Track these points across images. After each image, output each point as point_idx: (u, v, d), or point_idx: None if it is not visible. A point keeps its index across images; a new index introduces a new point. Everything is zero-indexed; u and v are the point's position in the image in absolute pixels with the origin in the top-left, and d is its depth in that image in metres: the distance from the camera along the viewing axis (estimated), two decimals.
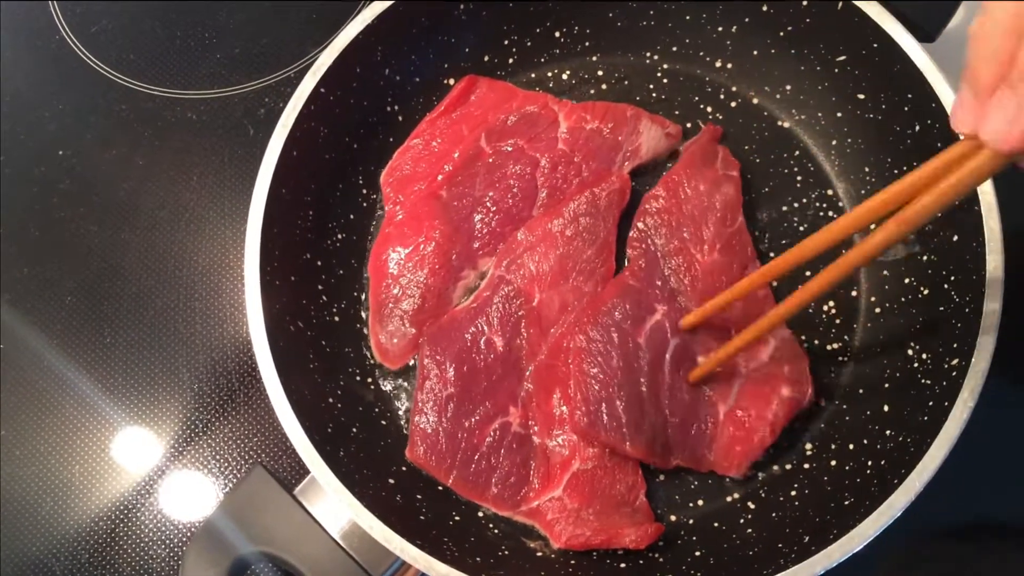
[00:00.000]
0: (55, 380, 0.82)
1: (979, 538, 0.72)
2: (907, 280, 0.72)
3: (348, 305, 0.77)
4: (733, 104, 0.83)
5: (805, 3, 0.76)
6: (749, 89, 0.83)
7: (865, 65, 0.75)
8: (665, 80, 0.84)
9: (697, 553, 0.66)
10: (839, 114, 0.79)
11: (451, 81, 0.84)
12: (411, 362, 0.74)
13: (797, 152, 0.81)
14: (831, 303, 0.75)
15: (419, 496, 0.68)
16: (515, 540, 0.67)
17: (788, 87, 0.81)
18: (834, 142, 0.80)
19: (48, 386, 0.82)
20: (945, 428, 0.59)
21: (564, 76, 0.86)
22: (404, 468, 0.70)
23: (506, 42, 0.84)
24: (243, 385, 0.80)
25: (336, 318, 0.76)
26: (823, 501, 0.65)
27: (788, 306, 0.62)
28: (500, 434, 0.69)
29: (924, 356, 0.67)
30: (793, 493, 0.68)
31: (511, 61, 0.85)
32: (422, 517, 0.66)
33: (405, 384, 0.75)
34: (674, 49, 0.84)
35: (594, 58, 0.86)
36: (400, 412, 0.74)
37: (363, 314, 0.77)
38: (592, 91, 0.85)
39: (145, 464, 0.79)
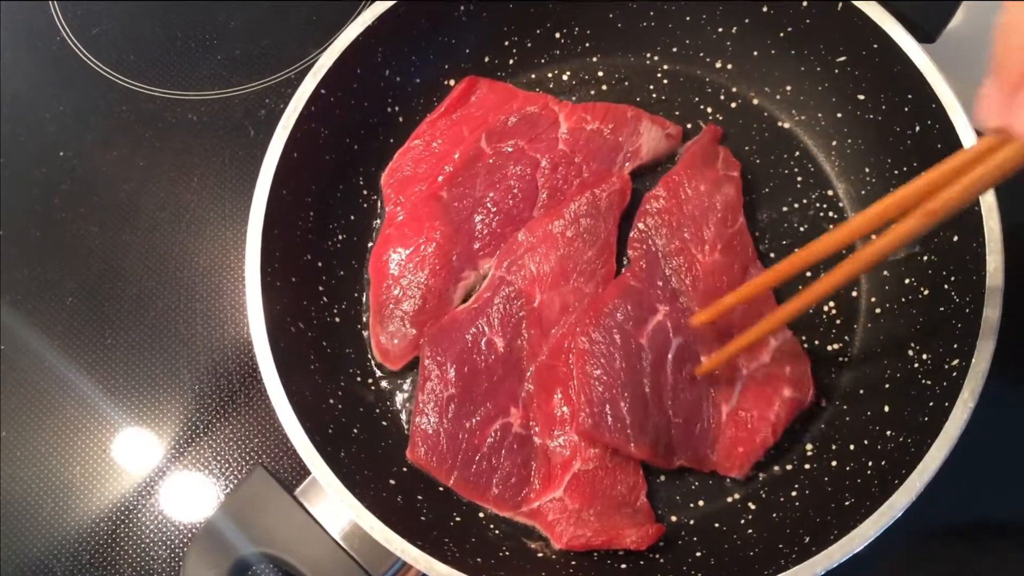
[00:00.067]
0: (56, 381, 0.82)
1: (979, 538, 0.72)
2: (907, 280, 0.72)
3: (349, 306, 0.77)
4: (733, 105, 0.83)
5: (805, 4, 0.76)
6: (749, 90, 0.83)
7: (865, 66, 0.75)
8: (665, 81, 0.84)
9: (698, 553, 0.66)
10: (839, 115, 0.79)
11: (451, 82, 0.84)
12: (412, 363, 0.74)
13: (797, 153, 0.81)
14: (831, 304, 0.75)
15: (420, 497, 0.68)
16: (516, 541, 0.67)
17: (788, 88, 0.81)
18: (834, 143, 0.80)
19: (49, 387, 0.82)
20: (945, 428, 0.59)
21: (564, 77, 0.86)
22: (405, 469, 0.70)
23: (506, 43, 0.85)
24: (244, 386, 0.80)
25: (337, 319, 0.76)
26: (824, 501, 0.65)
27: (809, 296, 0.61)
28: (501, 435, 0.69)
29: (924, 357, 0.67)
30: (794, 493, 0.68)
31: (511, 62, 0.85)
32: (423, 518, 0.66)
33: (406, 385, 0.75)
34: (674, 50, 0.84)
35: (594, 59, 0.86)
36: (401, 413, 0.74)
37: (364, 315, 0.77)
38: (592, 92, 0.85)
39: (146, 465, 0.79)
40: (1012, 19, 0.45)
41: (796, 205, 0.79)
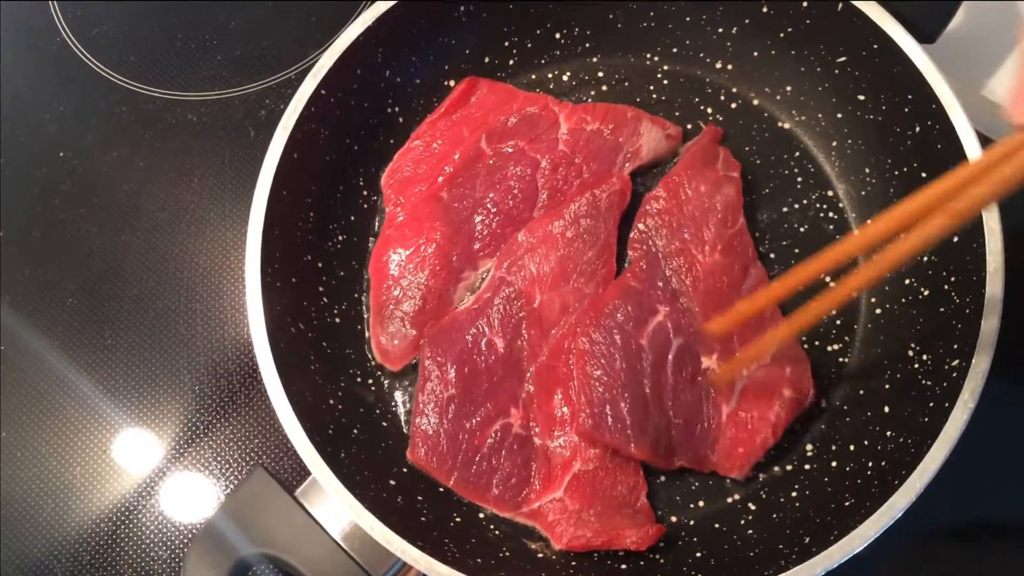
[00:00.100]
0: (56, 382, 0.82)
1: (979, 538, 0.72)
2: (907, 281, 0.72)
3: (349, 307, 0.77)
4: (733, 105, 0.83)
5: (805, 4, 0.76)
6: (749, 90, 0.83)
7: (865, 66, 0.75)
8: (665, 81, 0.84)
9: (698, 554, 0.66)
10: (839, 115, 0.79)
11: (452, 83, 0.84)
12: (412, 363, 0.74)
13: (797, 153, 0.81)
14: None
15: (420, 497, 0.68)
16: (516, 541, 0.67)
17: (788, 88, 0.81)
18: (834, 143, 0.80)
19: (49, 388, 0.82)
20: (945, 429, 0.59)
21: (564, 77, 0.86)
22: (405, 469, 0.70)
23: (506, 43, 0.85)
24: (244, 386, 0.80)
25: (337, 319, 0.76)
26: (824, 502, 0.65)
27: (834, 297, 0.58)
28: (501, 435, 0.69)
29: (924, 357, 0.67)
30: (794, 494, 0.68)
31: (511, 63, 0.86)
32: (423, 518, 0.66)
33: (406, 385, 0.75)
34: (674, 50, 0.84)
35: (594, 59, 0.86)
36: (401, 413, 0.74)
37: (364, 315, 0.77)
38: (592, 92, 0.85)
39: (146, 465, 0.79)
40: None
41: (796, 206, 0.79)
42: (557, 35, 0.85)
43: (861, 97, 0.77)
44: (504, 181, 0.78)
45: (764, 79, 0.82)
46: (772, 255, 0.77)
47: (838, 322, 0.74)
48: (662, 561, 0.66)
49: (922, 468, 0.58)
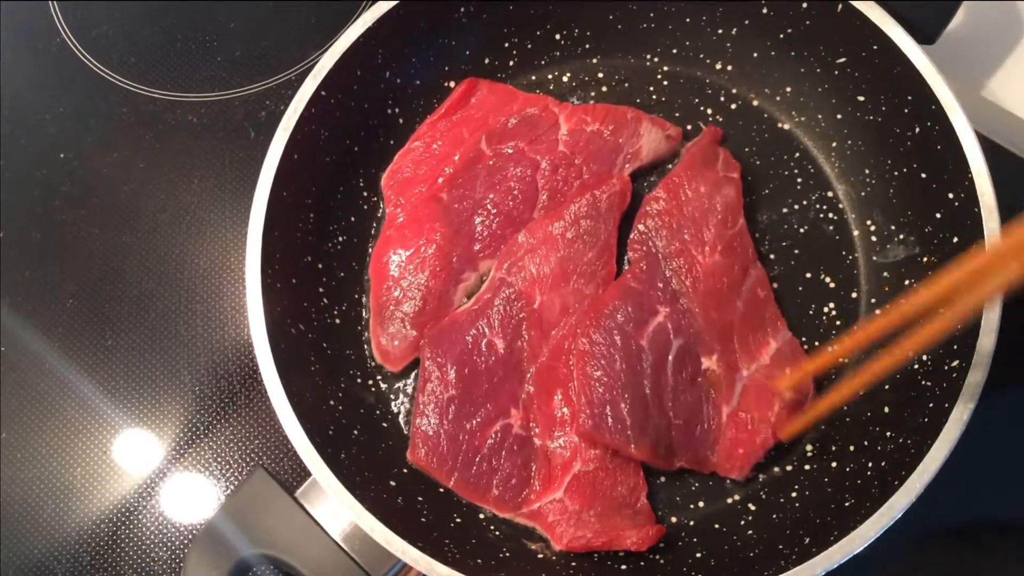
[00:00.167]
0: (56, 383, 0.82)
1: (979, 538, 0.72)
2: (907, 281, 0.72)
3: (349, 307, 0.77)
4: (733, 106, 0.83)
5: (805, 5, 0.76)
6: (749, 91, 0.83)
7: (865, 67, 0.75)
8: (665, 82, 0.85)
9: (698, 554, 0.66)
10: (839, 116, 0.79)
11: (452, 84, 0.84)
12: (412, 364, 0.74)
13: (797, 154, 0.81)
14: (831, 304, 0.75)
15: (420, 498, 0.68)
16: (516, 542, 0.68)
17: (788, 89, 0.81)
18: (834, 144, 0.80)
19: (49, 389, 0.82)
20: (945, 429, 0.59)
21: (564, 78, 0.86)
22: (405, 470, 0.70)
23: (506, 44, 0.85)
24: (244, 387, 0.80)
25: (337, 320, 0.76)
26: (824, 503, 0.65)
27: (912, 345, 0.56)
28: (501, 436, 0.69)
29: (924, 357, 0.67)
30: (794, 494, 0.68)
31: (511, 63, 0.86)
32: (423, 519, 0.66)
33: (406, 386, 0.75)
34: (674, 51, 0.84)
35: (594, 60, 0.86)
36: (401, 414, 0.74)
37: (364, 316, 0.77)
38: (592, 93, 0.85)
39: (146, 466, 0.79)
40: None
41: (796, 206, 0.79)
42: (557, 36, 0.85)
43: (861, 98, 0.77)
44: (504, 182, 0.78)
45: (764, 80, 0.82)
46: (772, 256, 0.77)
47: (838, 323, 0.74)
48: (662, 562, 0.66)
49: (922, 468, 0.58)
